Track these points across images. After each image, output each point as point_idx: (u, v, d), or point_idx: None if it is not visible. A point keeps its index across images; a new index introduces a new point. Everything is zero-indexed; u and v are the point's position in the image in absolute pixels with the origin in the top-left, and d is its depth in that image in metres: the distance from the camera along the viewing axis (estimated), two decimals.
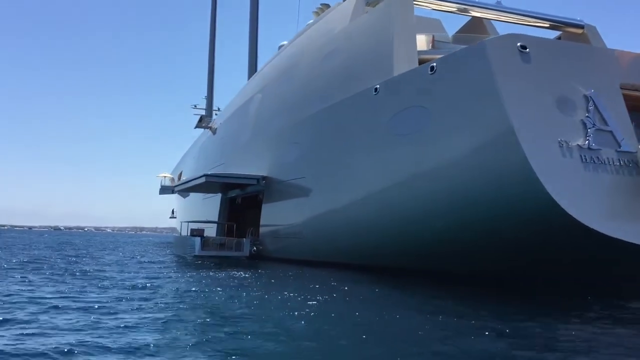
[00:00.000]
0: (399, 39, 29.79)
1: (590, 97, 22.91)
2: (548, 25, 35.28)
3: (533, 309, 18.19)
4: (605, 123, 22.78)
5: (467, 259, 25.03)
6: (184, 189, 48.70)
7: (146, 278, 25.07)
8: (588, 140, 22.18)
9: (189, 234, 42.94)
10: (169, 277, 26.23)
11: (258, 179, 40.59)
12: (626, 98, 23.85)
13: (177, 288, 21.35)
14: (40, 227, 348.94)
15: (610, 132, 22.74)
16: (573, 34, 34.73)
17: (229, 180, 42.77)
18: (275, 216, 39.66)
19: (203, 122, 66.54)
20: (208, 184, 44.61)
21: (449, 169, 24.29)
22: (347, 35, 35.27)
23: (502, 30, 39.59)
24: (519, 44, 22.90)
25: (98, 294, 18.63)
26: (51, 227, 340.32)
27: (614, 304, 19.74)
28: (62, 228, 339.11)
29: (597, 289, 22.48)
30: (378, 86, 28.83)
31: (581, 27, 34.63)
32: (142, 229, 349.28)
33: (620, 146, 22.60)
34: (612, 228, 20.91)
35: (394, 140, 27.38)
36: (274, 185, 39.74)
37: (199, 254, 39.94)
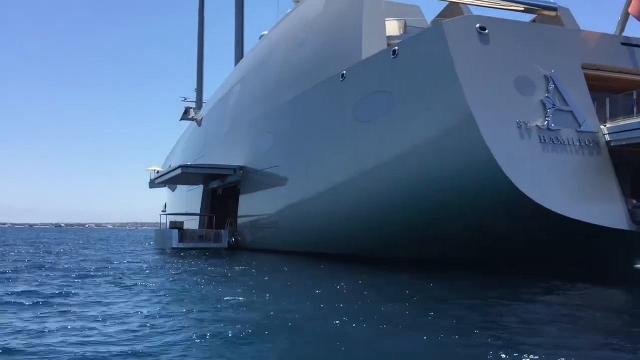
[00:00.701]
0: (367, 25, 29.46)
1: (551, 77, 22.64)
2: (523, 9, 34.90)
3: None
4: (566, 103, 22.53)
5: (436, 246, 24.90)
6: (162, 181, 48.50)
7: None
8: (547, 120, 21.95)
9: (168, 227, 42.80)
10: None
11: (235, 168, 40.39)
12: (589, 78, 23.59)
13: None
14: (42, 224, 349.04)
15: (571, 112, 22.50)
16: (547, 17, 34.37)
17: (204, 170, 42.58)
18: (252, 206, 39.50)
19: (188, 113, 66.18)
20: (186, 176, 44.40)
21: (410, 156, 24.12)
22: (318, 22, 34.95)
23: (479, 14, 39.26)
24: (477, 25, 22.64)
25: None
26: (52, 224, 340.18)
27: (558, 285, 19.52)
28: (62, 225, 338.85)
29: (568, 270, 22.39)
30: (344, 72, 28.58)
31: (554, 9, 34.19)
32: (142, 224, 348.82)
33: (580, 126, 22.36)
34: (572, 209, 20.76)
35: (358, 127, 27.17)
36: (250, 175, 39.57)
37: (176, 247, 39.82)
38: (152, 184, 64.74)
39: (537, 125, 21.73)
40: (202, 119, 59.65)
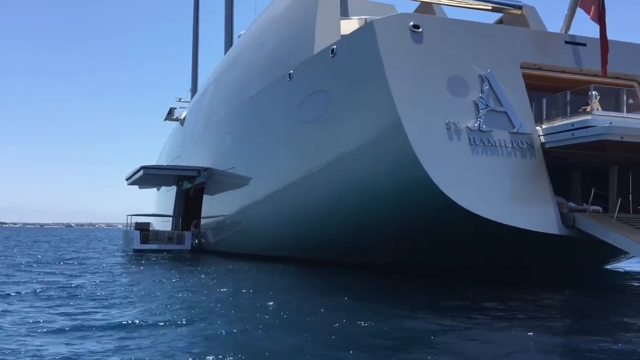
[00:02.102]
0: (321, 22, 28.85)
1: (486, 77, 21.91)
2: (490, 7, 34.20)
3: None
4: (500, 104, 21.81)
5: (377, 251, 24.37)
6: (132, 182, 48.16)
7: None
8: (479, 121, 21.24)
9: (133, 228, 42.48)
10: None
11: (199, 170, 39.98)
12: (529, 77, 22.88)
13: None
14: (53, 224, 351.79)
15: (505, 113, 21.75)
16: (513, 16, 33.66)
17: (167, 172, 42.22)
18: (213, 208, 39.08)
19: (172, 114, 65.82)
20: (151, 177, 43.91)
21: (343, 158, 23.60)
22: (279, 21, 34.44)
23: (451, 14, 38.55)
24: (411, 24, 21.96)
25: None
26: (63, 224, 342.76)
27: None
28: (73, 225, 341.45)
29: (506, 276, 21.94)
30: (291, 72, 28.06)
31: (519, 7, 33.45)
32: (150, 223, 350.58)
33: (514, 127, 21.64)
34: (500, 213, 20.10)
35: (301, 128, 26.67)
36: (214, 176, 39.15)
37: (137, 248, 39.43)
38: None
39: (467, 126, 21.02)
40: (184, 118, 59.33)
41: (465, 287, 19.90)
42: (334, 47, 24.34)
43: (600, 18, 22.60)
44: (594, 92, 21.31)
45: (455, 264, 22.42)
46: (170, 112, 66.71)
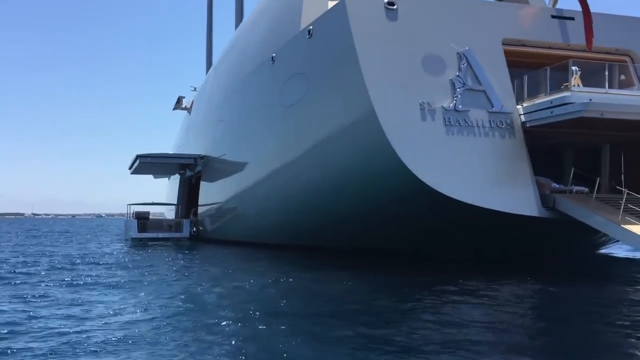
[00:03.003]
0: (309, 3, 28.09)
1: (464, 54, 21.07)
2: None
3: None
4: (479, 82, 20.94)
5: (363, 238, 23.76)
6: (133, 172, 47.96)
7: None
8: (455, 101, 20.41)
9: (133, 217, 42.38)
10: None
11: (196, 157, 39.64)
12: (512, 54, 21.94)
13: None
14: (85, 214, 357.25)
15: (483, 91, 20.89)
16: None
17: (162, 160, 41.88)
18: (208, 195, 38.72)
19: (181, 103, 65.33)
20: (152, 166, 43.64)
21: (322, 141, 22.96)
22: (270, 3, 33.75)
23: None
24: (385, 0, 21.20)
25: None
26: (94, 215, 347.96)
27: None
28: (103, 215, 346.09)
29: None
30: (274, 55, 27.42)
31: None
32: (149, 212, 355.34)
33: (493, 106, 20.76)
34: (475, 196, 19.32)
35: (283, 111, 26.07)
36: (209, 163, 38.77)
37: (135, 236, 39.36)
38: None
39: (442, 106, 20.20)
40: (190, 106, 59.03)
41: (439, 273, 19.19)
42: (311, 27, 23.62)
43: None
44: (574, 68, 20.29)
45: (439, 252, 21.67)
46: (179, 100, 66.15)
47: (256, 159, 29.63)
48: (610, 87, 21.93)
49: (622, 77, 23.06)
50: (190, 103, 60.75)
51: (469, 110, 20.41)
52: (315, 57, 23.39)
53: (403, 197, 20.25)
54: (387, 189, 20.67)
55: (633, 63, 23.27)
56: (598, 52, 23.06)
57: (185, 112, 66.88)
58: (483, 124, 20.45)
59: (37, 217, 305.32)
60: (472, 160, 19.88)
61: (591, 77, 21.75)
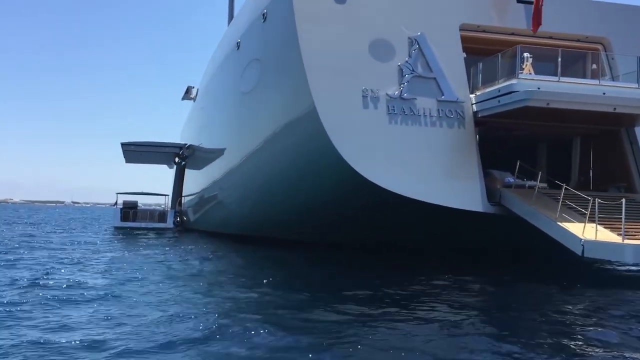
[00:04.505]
0: None
1: (416, 39, 19.89)
2: None
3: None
4: (430, 69, 19.75)
5: (317, 231, 22.89)
6: (127, 161, 47.53)
7: None
8: (401, 88, 19.26)
9: (121, 206, 42.11)
10: None
11: (181, 146, 39.13)
12: (470, 40, 20.69)
13: None
14: (105, 203, 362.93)
15: (434, 79, 19.70)
16: None
17: (146, 148, 41.40)
18: (190, 185, 38.28)
19: (190, 93, 65.02)
20: (142, 154, 43.20)
21: (272, 130, 22.13)
22: None
23: None
24: None
25: None
26: (110, 204, 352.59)
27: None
28: (140, 205, 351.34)
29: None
30: (239, 40, 26.60)
31: None
32: (137, 202, 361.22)
33: (443, 95, 19.55)
34: (414, 189, 18.21)
35: (239, 100, 25.32)
36: (193, 152, 38.27)
37: (118, 226, 39.10)
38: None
39: (387, 93, 19.09)
40: (195, 96, 58.75)
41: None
42: (265, 10, 22.72)
43: None
44: (525, 54, 18.93)
45: (395, 246, 20.74)
46: (188, 90, 65.86)
47: (225, 149, 28.94)
48: (584, 76, 20.63)
49: (594, 66, 21.59)
50: (196, 92, 60.50)
51: (415, 99, 19.27)
52: (268, 42, 22.54)
53: (344, 191, 19.29)
54: (329, 182, 19.76)
55: (605, 51, 21.77)
56: (569, 40, 21.68)
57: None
58: (430, 113, 19.29)
59: (76, 205, 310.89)
60: (416, 151, 18.78)
61: (565, 68, 20.27)
